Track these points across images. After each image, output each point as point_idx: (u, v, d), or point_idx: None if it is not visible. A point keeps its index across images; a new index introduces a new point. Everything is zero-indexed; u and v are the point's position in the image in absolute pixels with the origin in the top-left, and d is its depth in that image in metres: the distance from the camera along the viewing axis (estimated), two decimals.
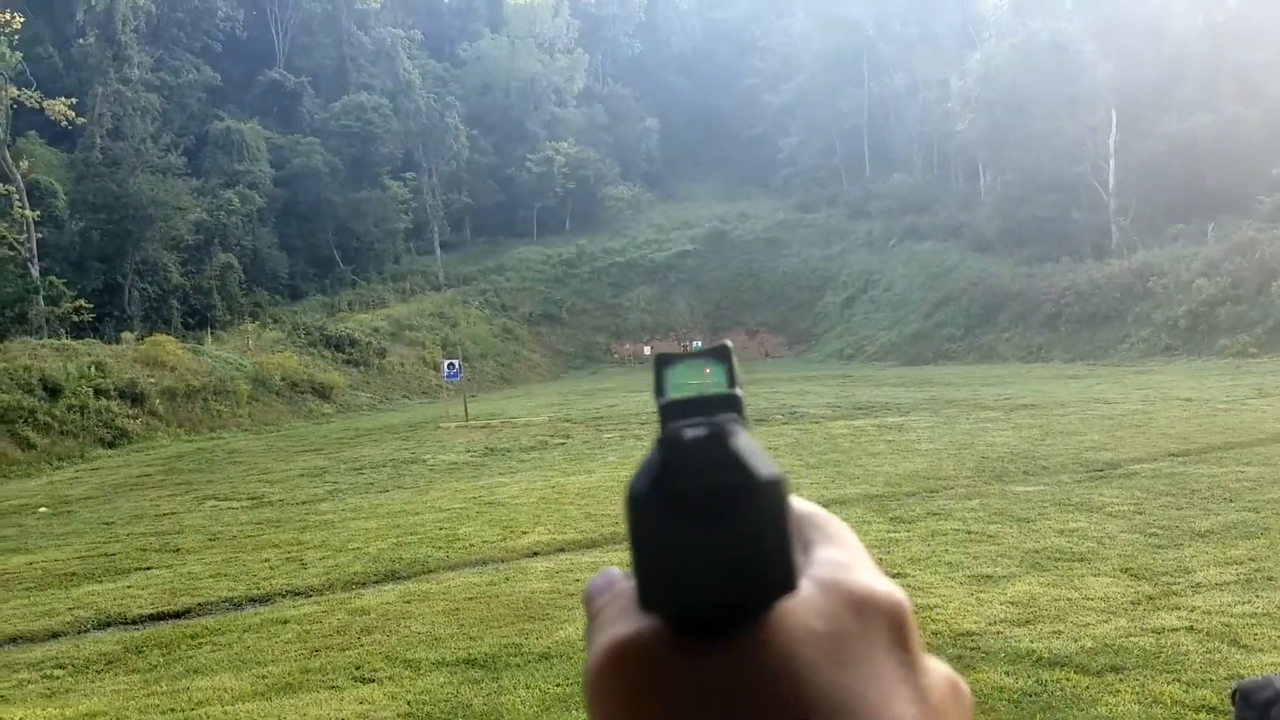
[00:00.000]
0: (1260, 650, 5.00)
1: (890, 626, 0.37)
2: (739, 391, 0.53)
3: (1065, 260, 37.54)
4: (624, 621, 0.37)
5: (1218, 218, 34.02)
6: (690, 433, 0.37)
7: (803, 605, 0.35)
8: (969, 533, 8.08)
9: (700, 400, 0.50)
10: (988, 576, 6.72)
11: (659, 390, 0.55)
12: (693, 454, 0.36)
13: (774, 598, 0.35)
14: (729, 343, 0.56)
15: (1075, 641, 5.28)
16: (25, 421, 20.42)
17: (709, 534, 0.34)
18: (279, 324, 37.82)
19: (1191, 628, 5.39)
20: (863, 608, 0.37)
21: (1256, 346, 26.39)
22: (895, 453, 13.10)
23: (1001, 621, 5.73)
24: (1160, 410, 15.77)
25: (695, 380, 0.55)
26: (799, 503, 0.41)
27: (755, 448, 0.36)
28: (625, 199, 62.42)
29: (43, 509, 13.71)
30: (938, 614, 5.90)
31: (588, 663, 0.37)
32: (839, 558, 0.40)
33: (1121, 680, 4.72)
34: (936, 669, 0.36)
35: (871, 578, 0.39)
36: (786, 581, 0.35)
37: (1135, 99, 40.55)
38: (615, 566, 0.42)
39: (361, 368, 34.86)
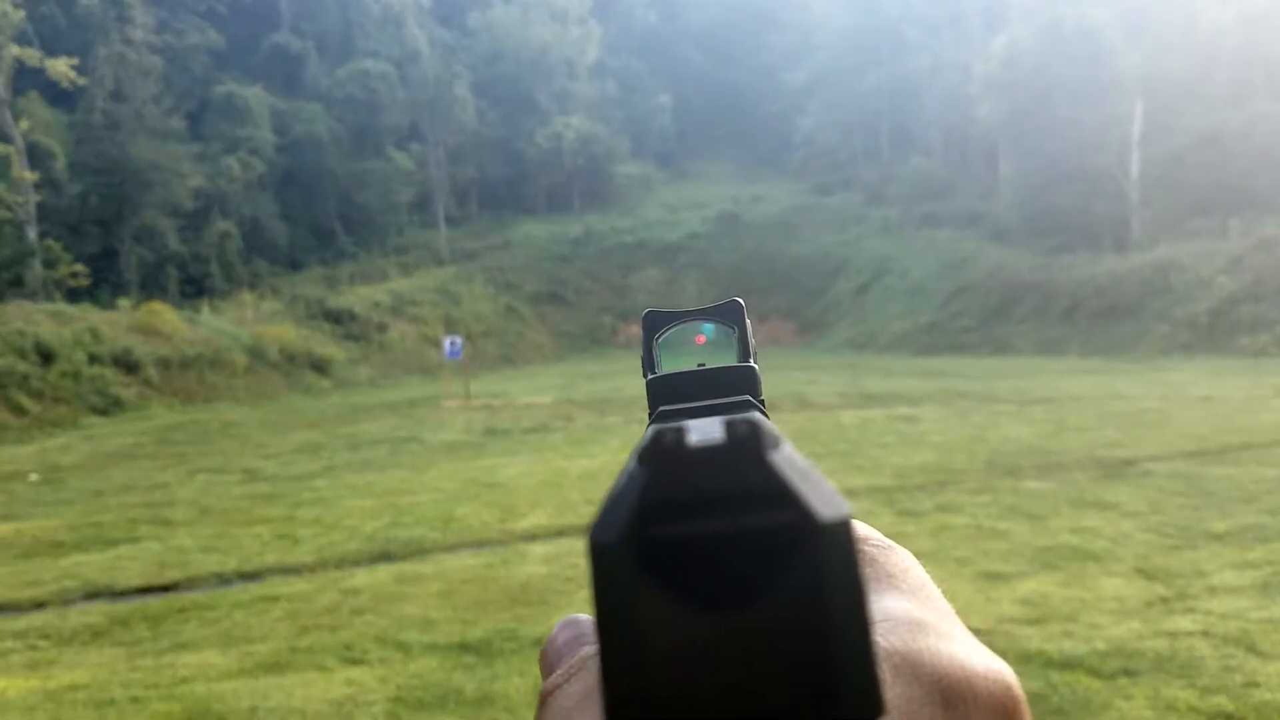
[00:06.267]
0: (1277, 657, 4.95)
1: None
2: (755, 364, 0.42)
3: (1085, 252, 37.39)
4: None
5: (1242, 213, 33.82)
6: (695, 437, 0.22)
7: None
8: (979, 528, 8.03)
9: (704, 376, 0.40)
10: (997, 574, 6.68)
11: (648, 362, 0.46)
12: (701, 475, 0.22)
13: None
14: (740, 300, 0.48)
15: (1087, 643, 5.24)
16: (18, 387, 20.45)
17: (732, 622, 0.21)
18: (278, 295, 37.85)
19: (1207, 632, 5.34)
20: (955, 698, 0.26)
21: (1277, 346, 26.25)
22: (905, 444, 13.04)
23: (1011, 620, 5.69)
24: (1178, 408, 15.68)
25: (696, 350, 0.45)
26: None
27: (803, 462, 0.23)
28: (636, 177, 62.29)
29: (33, 476, 13.72)
30: None
31: None
32: (914, 615, 0.28)
33: (1134, 684, 4.68)
34: None
35: (965, 649, 0.27)
36: (868, 704, 0.21)
37: (1162, 89, 40.31)
38: (585, 615, 0.32)
39: (361, 342, 34.85)
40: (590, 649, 0.30)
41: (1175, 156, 38.23)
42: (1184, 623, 5.52)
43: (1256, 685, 4.58)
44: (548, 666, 0.31)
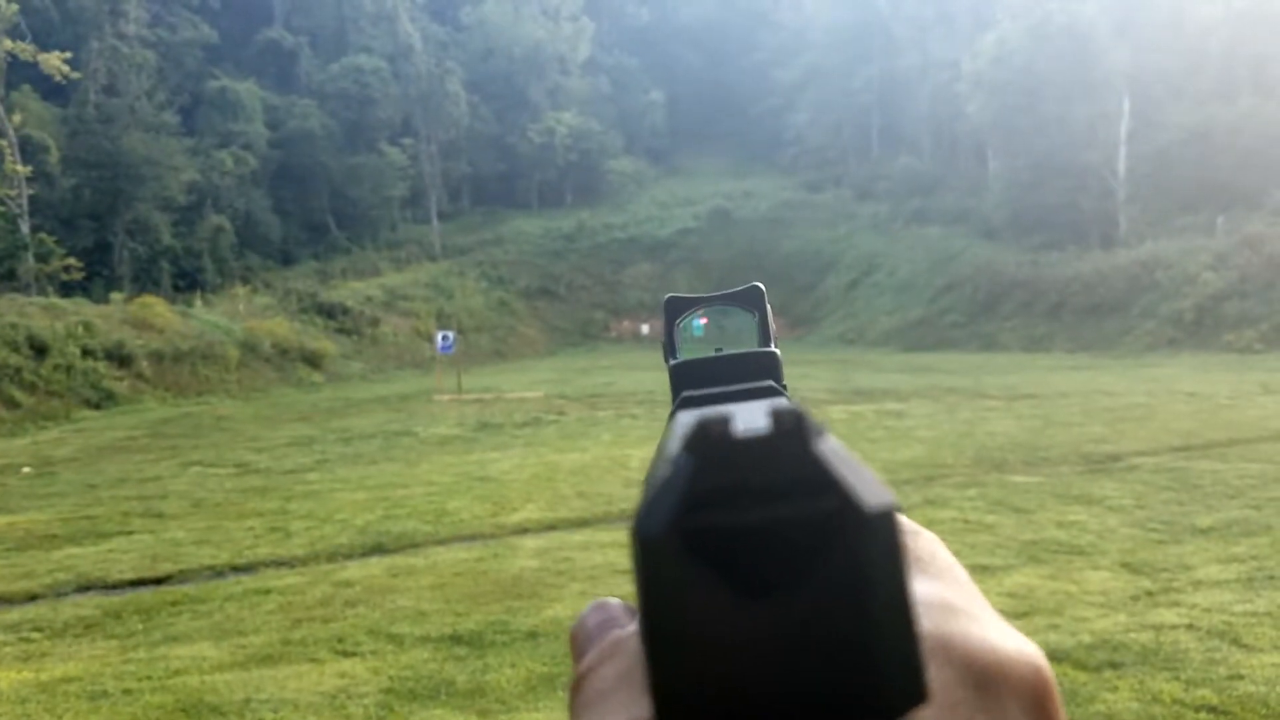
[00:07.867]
0: (1261, 650, 4.97)
1: (1027, 707, 0.26)
2: (777, 349, 0.43)
3: (1072, 249, 37.45)
4: (622, 707, 0.26)
5: (1228, 210, 33.92)
6: (741, 426, 0.22)
7: None
8: (966, 522, 8.05)
9: (726, 361, 0.40)
10: (984, 567, 6.70)
11: (670, 348, 0.46)
12: (748, 464, 0.22)
13: (889, 716, 0.21)
14: (760, 285, 0.48)
15: (1073, 636, 5.25)
16: (11, 380, 20.36)
17: (778, 609, 0.21)
18: (270, 289, 37.72)
19: (1191, 625, 5.36)
20: (987, 680, 0.26)
21: (1262, 343, 26.36)
22: (893, 439, 13.07)
23: (998, 613, 5.70)
24: (1163, 404, 15.74)
25: (715, 335, 0.46)
26: None
27: (847, 452, 0.23)
28: (628, 173, 62.16)
29: (26, 469, 13.66)
30: None
31: None
32: (944, 598, 0.28)
33: (1120, 676, 4.70)
34: None
35: (995, 632, 0.27)
36: (912, 689, 0.22)
37: (1150, 87, 40.37)
38: (613, 598, 0.33)
39: (354, 337, 34.75)
40: (621, 632, 0.29)
41: (1162, 153, 38.30)
42: (1169, 616, 5.54)
43: (1240, 678, 4.60)
44: (579, 650, 0.30)
